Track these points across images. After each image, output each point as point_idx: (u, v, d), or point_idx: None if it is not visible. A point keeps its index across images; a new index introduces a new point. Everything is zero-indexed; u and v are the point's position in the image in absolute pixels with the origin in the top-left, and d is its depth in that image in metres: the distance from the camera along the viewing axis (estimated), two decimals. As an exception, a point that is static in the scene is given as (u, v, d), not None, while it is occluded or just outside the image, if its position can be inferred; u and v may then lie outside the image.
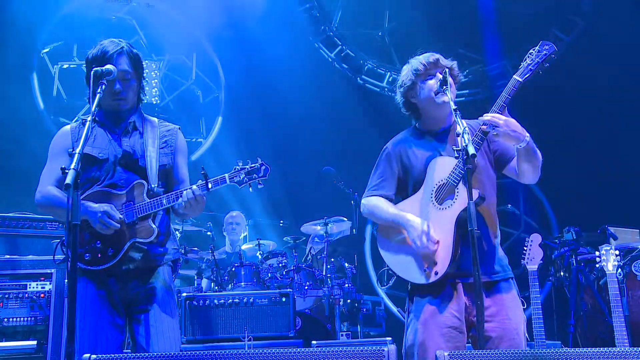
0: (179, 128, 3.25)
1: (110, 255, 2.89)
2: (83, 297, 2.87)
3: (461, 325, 2.88)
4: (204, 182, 2.89)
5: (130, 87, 3.02)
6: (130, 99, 3.05)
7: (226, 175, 2.93)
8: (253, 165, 2.95)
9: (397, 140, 3.18)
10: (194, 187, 2.89)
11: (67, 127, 3.14)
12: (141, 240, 2.91)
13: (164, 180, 3.08)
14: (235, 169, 2.94)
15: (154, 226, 2.93)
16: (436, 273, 2.85)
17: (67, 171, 2.43)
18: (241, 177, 2.92)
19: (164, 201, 2.91)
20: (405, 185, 3.08)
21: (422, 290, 2.97)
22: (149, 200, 2.92)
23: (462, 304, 2.89)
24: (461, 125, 2.65)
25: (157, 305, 2.94)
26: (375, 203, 3.11)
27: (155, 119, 3.22)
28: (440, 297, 2.91)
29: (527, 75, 2.83)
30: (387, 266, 3.05)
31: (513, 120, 2.82)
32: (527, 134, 2.82)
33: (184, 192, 2.89)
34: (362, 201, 3.18)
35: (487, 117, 2.82)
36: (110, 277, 2.93)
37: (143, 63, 3.11)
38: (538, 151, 2.91)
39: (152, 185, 2.98)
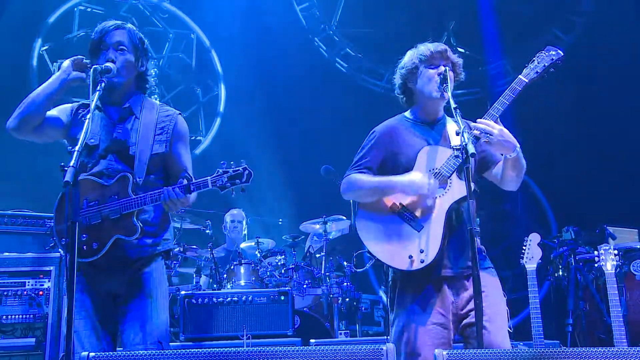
0: (180, 113, 3.13)
1: (95, 249, 2.82)
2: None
3: (446, 321, 2.86)
4: (186, 184, 2.80)
5: (125, 60, 2.94)
6: (124, 73, 2.95)
7: (209, 178, 2.80)
8: (236, 169, 2.79)
9: (386, 126, 3.12)
10: (177, 189, 2.79)
11: (69, 105, 3.09)
12: (124, 237, 2.83)
13: (161, 168, 3.00)
14: (217, 171, 2.80)
15: (137, 224, 2.84)
16: (422, 261, 2.81)
17: (66, 169, 2.40)
18: (224, 182, 2.78)
19: (148, 200, 2.81)
20: (391, 172, 2.99)
21: (404, 286, 2.94)
22: (133, 197, 2.83)
23: (447, 299, 2.87)
24: (461, 123, 2.65)
25: (142, 298, 2.88)
26: (356, 177, 3.02)
27: (157, 102, 3.12)
28: (423, 294, 2.88)
29: (534, 77, 2.88)
30: (366, 249, 2.95)
31: (506, 130, 2.81)
32: (518, 145, 2.82)
33: (164, 192, 2.79)
34: (343, 181, 3.08)
35: (482, 124, 2.80)
36: (96, 269, 2.87)
37: (146, 46, 3.03)
38: (524, 160, 2.91)
39: (138, 179, 2.88)
